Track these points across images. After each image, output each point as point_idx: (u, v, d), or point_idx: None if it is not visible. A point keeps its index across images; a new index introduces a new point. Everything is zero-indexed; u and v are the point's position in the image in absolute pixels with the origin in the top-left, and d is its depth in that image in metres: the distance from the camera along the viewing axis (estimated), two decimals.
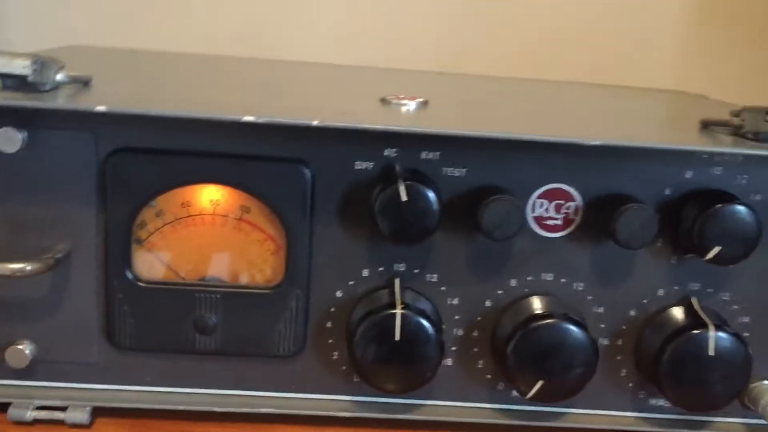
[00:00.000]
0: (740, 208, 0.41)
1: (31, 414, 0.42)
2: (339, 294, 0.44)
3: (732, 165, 0.43)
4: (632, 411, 0.46)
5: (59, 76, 0.39)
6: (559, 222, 0.43)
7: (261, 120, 0.37)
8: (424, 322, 0.41)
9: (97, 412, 0.43)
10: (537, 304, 0.43)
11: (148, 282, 0.42)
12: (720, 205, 0.41)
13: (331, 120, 0.39)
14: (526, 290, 0.44)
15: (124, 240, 0.41)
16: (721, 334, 0.42)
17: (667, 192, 0.43)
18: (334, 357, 0.44)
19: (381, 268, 0.43)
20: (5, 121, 0.39)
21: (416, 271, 0.43)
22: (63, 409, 0.42)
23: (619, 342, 0.45)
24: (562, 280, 0.44)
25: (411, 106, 0.45)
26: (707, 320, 0.42)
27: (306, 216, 0.42)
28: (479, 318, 0.44)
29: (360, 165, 0.42)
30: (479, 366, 0.45)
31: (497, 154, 0.42)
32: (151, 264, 0.42)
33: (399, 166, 0.41)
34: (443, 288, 0.44)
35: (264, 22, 0.81)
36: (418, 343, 0.41)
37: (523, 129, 0.42)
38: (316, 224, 0.43)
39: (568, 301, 0.44)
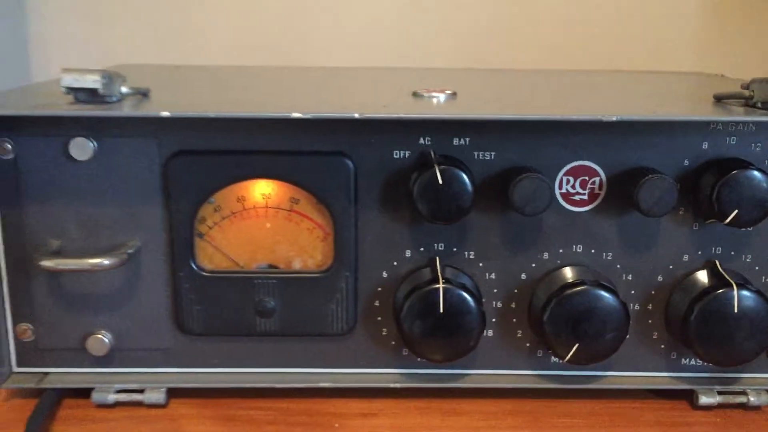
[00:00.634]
0: (755, 173, 0.44)
1: (112, 397, 0.46)
2: (384, 274, 0.47)
3: (745, 134, 0.45)
4: (666, 371, 0.49)
5: (123, 89, 0.44)
6: (585, 197, 0.46)
7: (308, 115, 0.41)
8: (465, 295, 0.44)
9: (172, 393, 0.47)
10: (569, 274, 0.47)
11: (210, 272, 0.46)
12: (736, 172, 0.44)
13: (371, 112, 0.43)
14: (558, 262, 0.47)
15: (187, 234, 0.46)
16: (744, 293, 0.45)
17: (686, 163, 0.46)
18: (384, 333, 0.48)
19: (422, 249, 0.47)
20: (77, 131, 0.43)
21: (455, 249, 0.47)
22: (141, 391, 0.47)
23: (649, 306, 0.48)
24: (592, 251, 0.47)
25: (441, 97, 0.49)
26: (730, 280, 0.45)
27: (350, 204, 0.46)
28: (516, 290, 0.48)
29: (397, 154, 0.45)
30: (518, 335, 0.48)
31: (523, 137, 0.45)
32: (212, 255, 0.46)
33: (434, 152, 0.45)
34: (481, 264, 0.47)
35: (292, 31, 0.85)
36: (461, 315, 0.45)
37: (546, 112, 0.46)
38: (360, 211, 0.46)
39: (599, 270, 0.47)
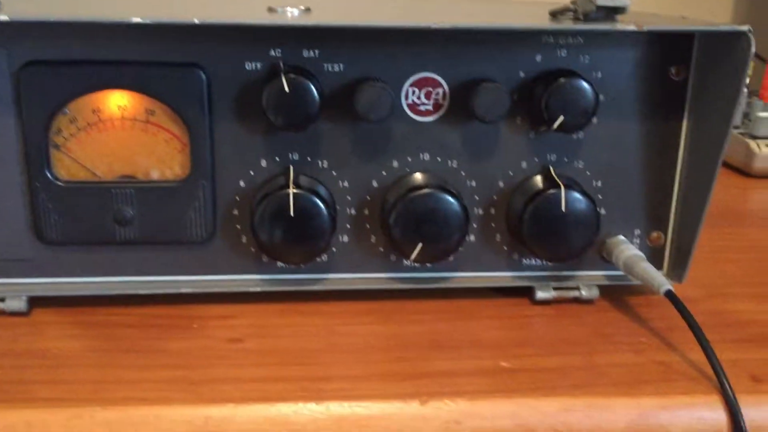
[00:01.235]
0: (579, 81, 0.47)
1: None
2: (242, 184, 0.49)
3: (575, 47, 0.49)
4: (508, 271, 0.53)
5: None
6: (430, 107, 0.49)
7: (148, 21, 0.42)
8: (314, 198, 0.47)
9: (34, 303, 0.49)
10: (417, 180, 0.50)
11: (66, 182, 0.47)
12: (562, 80, 0.47)
13: (216, 18, 0.44)
14: (407, 170, 0.50)
15: (42, 145, 0.46)
16: (572, 193, 0.49)
17: (522, 74, 0.49)
18: (243, 241, 0.50)
19: (277, 158, 0.49)
20: None
21: (309, 158, 0.49)
22: (2, 300, 0.48)
23: (492, 211, 0.52)
24: (438, 159, 0.50)
25: (295, 12, 0.50)
26: (559, 182, 0.49)
27: (205, 115, 0.47)
28: (368, 197, 0.51)
29: (249, 66, 0.47)
30: (372, 241, 0.51)
31: (370, 50, 0.48)
32: (69, 167, 0.47)
33: (283, 63, 0.47)
34: (334, 172, 0.50)
35: None
36: (311, 218, 0.47)
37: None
38: (215, 122, 0.48)
39: (444, 176, 0.50)
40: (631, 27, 0.46)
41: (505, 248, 0.53)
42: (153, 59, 0.47)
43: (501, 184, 0.51)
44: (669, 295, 0.46)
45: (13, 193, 0.47)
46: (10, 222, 0.48)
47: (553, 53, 0.49)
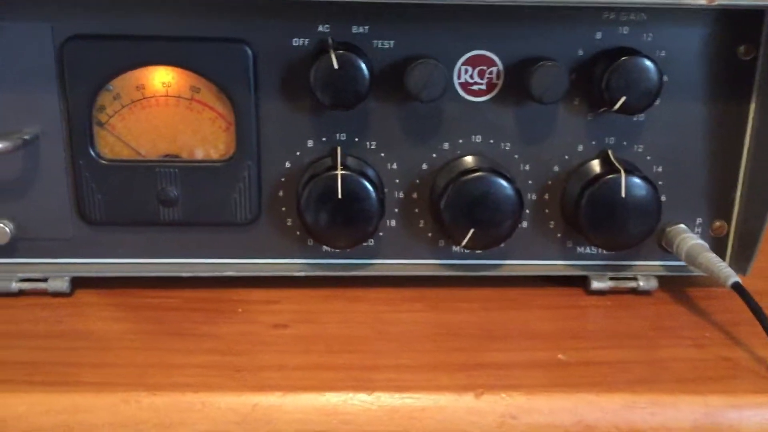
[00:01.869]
0: (642, 60, 0.45)
1: (15, 285, 0.47)
2: (288, 165, 0.48)
3: (637, 24, 0.46)
4: (562, 259, 0.51)
5: None
6: (483, 87, 0.47)
7: None
8: (363, 181, 0.45)
9: (77, 283, 0.48)
10: (468, 163, 0.48)
11: (110, 160, 0.46)
12: (624, 59, 0.45)
13: None
14: (458, 152, 0.48)
15: (85, 122, 0.45)
16: (633, 179, 0.46)
17: (580, 53, 0.47)
18: (288, 223, 0.49)
19: (324, 139, 0.48)
20: None
21: (356, 139, 0.48)
22: (45, 280, 0.47)
23: (546, 196, 0.49)
24: (490, 141, 0.48)
25: None
26: (619, 166, 0.46)
27: (251, 93, 0.46)
28: (417, 180, 0.49)
29: (297, 42, 0.46)
30: (420, 225, 0.50)
31: (421, 26, 0.46)
32: (113, 144, 0.46)
33: (331, 39, 0.45)
34: (382, 154, 0.48)
35: None
36: (359, 200, 0.45)
37: None
38: (261, 100, 0.46)
39: (497, 160, 0.48)
40: (701, 1, 0.43)
41: (559, 235, 0.50)
42: (198, 35, 0.45)
43: (556, 168, 0.49)
44: (736, 287, 0.44)
45: (56, 172, 0.46)
46: (53, 201, 0.47)
47: (615, 30, 0.47)
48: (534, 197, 0.49)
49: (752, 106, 0.48)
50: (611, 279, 0.50)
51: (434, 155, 0.48)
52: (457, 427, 0.37)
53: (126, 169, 0.46)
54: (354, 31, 0.46)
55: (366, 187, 0.45)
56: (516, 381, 0.39)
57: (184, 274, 0.48)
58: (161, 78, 0.46)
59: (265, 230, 0.49)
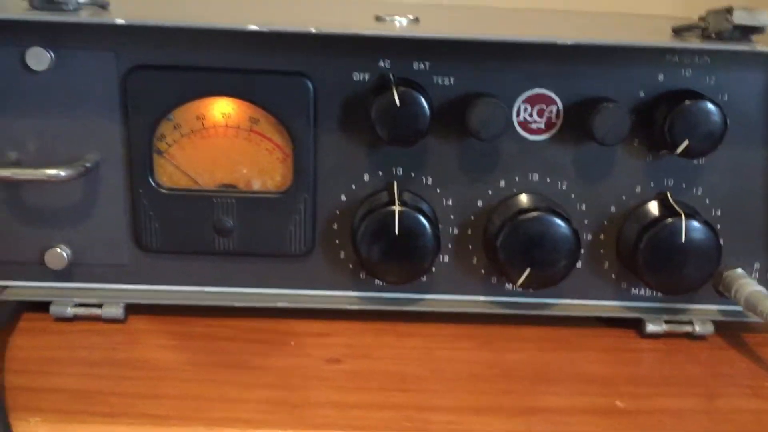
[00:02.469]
0: (707, 104, 0.44)
1: (71, 310, 0.47)
2: (343, 198, 0.48)
3: (701, 67, 0.46)
4: (616, 300, 0.50)
5: None
6: (542, 125, 0.47)
7: (264, 29, 0.41)
8: (420, 217, 0.45)
9: (131, 310, 0.48)
10: (524, 201, 0.48)
11: (169, 189, 0.47)
12: (688, 102, 0.44)
13: (328, 28, 0.43)
14: (514, 190, 0.48)
15: (145, 151, 0.46)
16: (693, 223, 0.46)
17: (642, 94, 0.46)
18: (342, 256, 0.49)
19: (380, 173, 0.47)
20: (34, 40, 0.43)
21: (413, 174, 0.48)
22: (99, 306, 0.47)
23: (602, 236, 0.49)
24: (547, 180, 0.48)
25: (403, 21, 0.49)
26: (679, 210, 0.46)
27: (310, 126, 0.46)
28: (472, 217, 0.48)
29: (357, 76, 0.46)
30: (474, 262, 0.49)
31: (482, 63, 0.46)
32: (171, 173, 0.47)
33: (393, 75, 0.45)
34: (438, 190, 0.48)
35: None
36: (416, 237, 0.45)
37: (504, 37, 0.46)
38: (319, 133, 0.47)
39: (553, 198, 0.48)
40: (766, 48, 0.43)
41: (614, 276, 0.50)
42: (260, 67, 0.45)
43: (613, 208, 0.48)
44: None
45: (115, 199, 0.46)
46: (111, 227, 0.47)
47: (677, 73, 0.46)
48: (589, 237, 0.49)
49: None
50: (666, 322, 0.49)
51: (490, 192, 0.48)
52: None
53: (184, 198, 0.47)
54: (415, 68, 0.46)
55: (423, 224, 0.45)
56: (575, 428, 0.39)
57: (236, 304, 0.48)
58: (221, 109, 0.46)
59: (318, 262, 0.49)
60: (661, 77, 0.46)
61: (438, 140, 0.47)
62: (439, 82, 0.46)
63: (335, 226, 0.48)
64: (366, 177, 0.48)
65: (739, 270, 0.49)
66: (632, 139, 0.47)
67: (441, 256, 0.49)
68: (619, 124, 0.44)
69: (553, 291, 0.49)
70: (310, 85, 0.45)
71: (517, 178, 0.48)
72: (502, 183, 0.48)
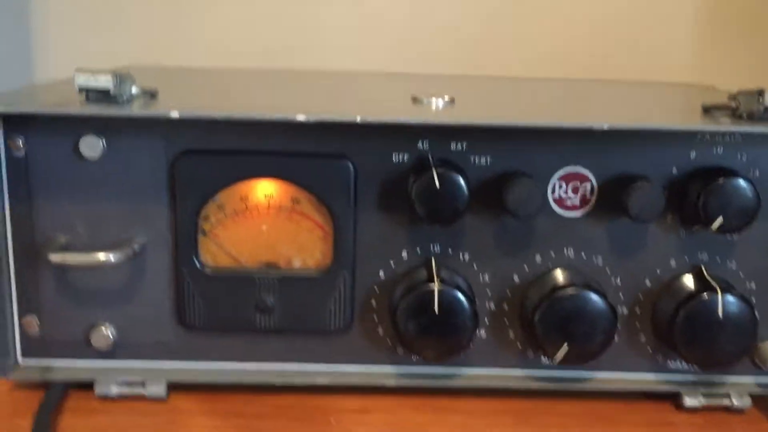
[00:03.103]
0: (740, 181, 0.45)
1: (115, 389, 0.48)
2: (381, 275, 0.49)
3: (732, 145, 0.47)
4: (653, 373, 0.50)
5: (133, 89, 0.45)
6: (576, 202, 0.48)
7: (312, 119, 0.43)
8: (459, 295, 0.46)
9: (173, 387, 0.48)
10: (560, 277, 0.48)
11: (213, 269, 0.48)
12: (722, 179, 0.45)
13: (372, 117, 0.44)
14: (550, 265, 0.49)
15: (191, 232, 0.47)
16: (729, 297, 0.46)
17: (674, 171, 0.47)
18: (380, 332, 0.49)
19: (418, 250, 0.48)
20: (88, 130, 0.45)
21: (450, 251, 0.48)
22: (143, 384, 0.48)
23: (637, 310, 0.49)
24: (583, 255, 0.49)
25: (440, 103, 0.50)
26: (715, 285, 0.46)
27: (350, 205, 0.47)
28: (508, 292, 0.49)
29: (397, 158, 0.47)
30: (510, 337, 0.50)
31: (518, 143, 0.47)
32: (215, 252, 0.48)
33: (431, 156, 0.46)
34: (475, 266, 0.49)
35: (296, 35, 0.87)
36: (455, 315, 0.46)
37: (540, 120, 0.47)
38: (359, 212, 0.48)
39: (589, 273, 0.49)
40: None
41: (650, 349, 0.50)
42: (302, 150, 0.47)
43: (648, 282, 0.49)
44: None
45: (160, 278, 0.47)
46: (155, 306, 0.48)
47: (709, 150, 0.47)
48: (625, 311, 0.49)
49: None
50: (704, 396, 0.49)
51: (526, 268, 0.49)
52: None
53: (227, 277, 0.48)
54: (452, 148, 0.47)
55: (462, 302, 0.46)
56: None
57: (276, 382, 0.49)
58: (264, 190, 0.47)
59: (356, 338, 0.49)
60: (693, 155, 0.47)
61: (475, 217, 0.48)
62: (476, 161, 0.47)
63: (373, 303, 0.49)
64: (404, 254, 0.48)
65: None
66: (666, 214, 0.48)
67: (478, 331, 0.49)
68: (653, 202, 0.45)
69: (589, 364, 0.50)
70: (351, 166, 0.47)
71: (552, 254, 0.49)
72: (538, 258, 0.49)
